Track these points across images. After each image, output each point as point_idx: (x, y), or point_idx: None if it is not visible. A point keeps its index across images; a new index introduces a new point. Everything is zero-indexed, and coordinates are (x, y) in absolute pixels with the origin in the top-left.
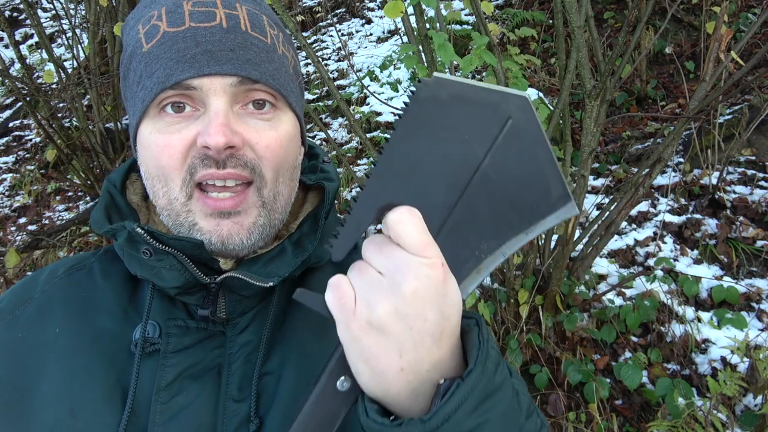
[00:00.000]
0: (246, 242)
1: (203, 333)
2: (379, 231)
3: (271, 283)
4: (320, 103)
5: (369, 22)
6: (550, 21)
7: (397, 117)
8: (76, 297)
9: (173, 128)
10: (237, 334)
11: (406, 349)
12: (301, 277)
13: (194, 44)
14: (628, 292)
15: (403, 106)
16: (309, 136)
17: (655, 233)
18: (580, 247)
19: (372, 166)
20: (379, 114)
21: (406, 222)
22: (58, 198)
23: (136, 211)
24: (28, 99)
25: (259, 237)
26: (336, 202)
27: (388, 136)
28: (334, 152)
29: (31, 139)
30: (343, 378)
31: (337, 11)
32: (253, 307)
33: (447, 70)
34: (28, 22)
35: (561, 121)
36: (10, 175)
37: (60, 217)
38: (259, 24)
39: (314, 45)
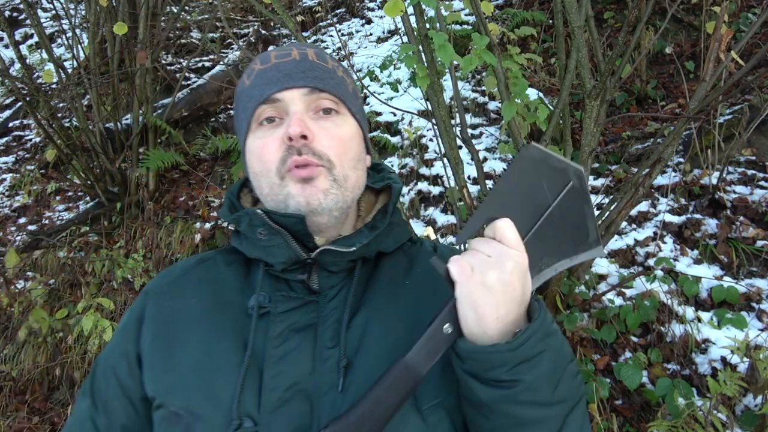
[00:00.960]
0: (323, 202)
1: (301, 301)
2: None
3: (353, 248)
4: None
5: (369, 22)
6: (550, 21)
7: (508, 163)
8: (207, 278)
9: (268, 133)
10: (327, 301)
11: (501, 305)
12: (375, 260)
13: (277, 72)
14: (628, 292)
15: (513, 158)
16: None
17: (655, 233)
18: None
19: (489, 191)
20: (379, 114)
21: (508, 227)
22: (58, 198)
23: None
24: (28, 99)
25: (333, 203)
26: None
27: (501, 173)
28: None
29: (30, 139)
30: (448, 324)
31: (337, 11)
32: (339, 282)
33: (447, 71)
34: (28, 22)
35: (561, 121)
36: (10, 175)
37: (60, 217)
38: (323, 57)
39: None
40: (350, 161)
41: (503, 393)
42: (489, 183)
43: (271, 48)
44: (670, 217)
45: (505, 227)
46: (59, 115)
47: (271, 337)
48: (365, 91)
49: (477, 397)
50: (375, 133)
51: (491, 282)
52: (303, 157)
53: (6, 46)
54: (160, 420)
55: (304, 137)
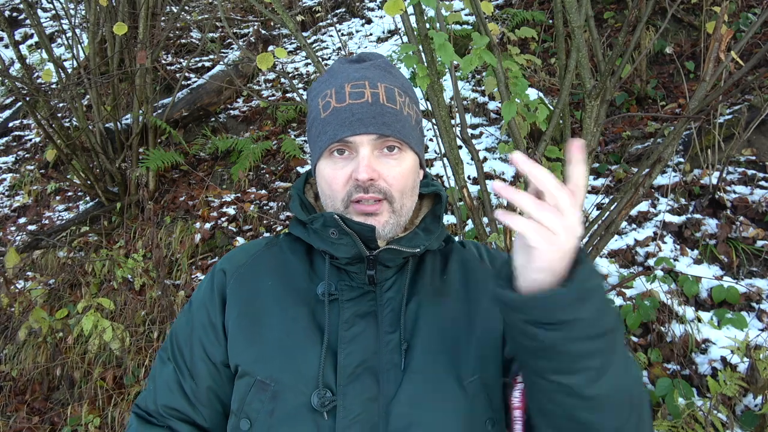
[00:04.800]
0: (382, 232)
1: (361, 291)
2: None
3: (418, 250)
4: None
5: (369, 22)
6: (550, 21)
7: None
8: (277, 263)
9: (338, 165)
10: (384, 292)
11: (566, 259)
12: (421, 256)
13: (350, 115)
14: (628, 292)
15: None
16: None
17: (655, 233)
18: None
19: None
20: None
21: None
22: (57, 198)
23: (314, 207)
24: (27, 99)
25: (390, 230)
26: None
27: None
28: None
29: (30, 139)
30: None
31: (337, 11)
32: (393, 275)
33: (447, 71)
34: (28, 22)
35: (561, 121)
36: (10, 175)
37: (60, 217)
38: (392, 96)
39: (314, 45)
40: (408, 192)
41: (565, 333)
42: (489, 183)
43: (344, 66)
44: (670, 217)
45: (564, 192)
46: (59, 115)
47: (342, 321)
48: None
49: (540, 343)
50: None
51: (568, 247)
52: (370, 195)
53: (6, 46)
54: (246, 386)
55: (371, 179)
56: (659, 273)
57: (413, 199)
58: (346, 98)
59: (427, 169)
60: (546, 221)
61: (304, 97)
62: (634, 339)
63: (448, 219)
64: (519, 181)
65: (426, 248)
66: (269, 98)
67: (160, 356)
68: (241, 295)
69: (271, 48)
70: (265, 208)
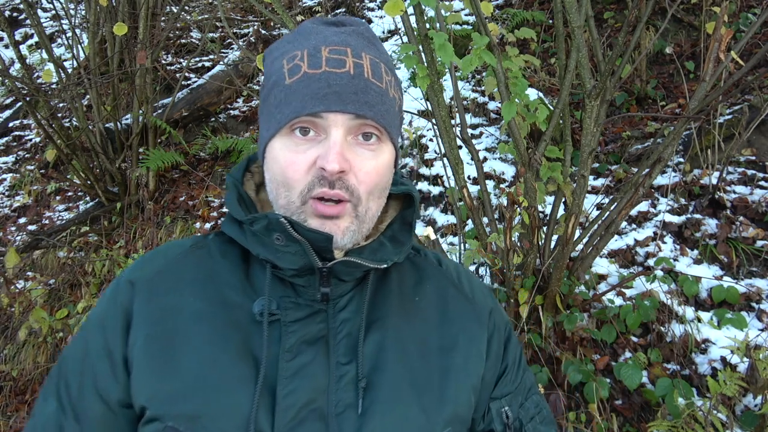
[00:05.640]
0: (341, 240)
1: (309, 309)
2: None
3: (385, 266)
4: None
5: (369, 22)
6: (550, 21)
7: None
8: (202, 271)
9: (300, 148)
10: (337, 312)
11: None
12: (386, 268)
13: (326, 86)
14: (628, 292)
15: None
16: None
17: (655, 233)
18: (580, 247)
19: None
20: None
21: None
22: (58, 198)
23: (255, 204)
24: (28, 99)
25: (350, 239)
26: None
27: None
28: None
29: (30, 139)
30: None
31: (337, 11)
32: (350, 291)
33: (447, 71)
34: (28, 22)
35: (561, 121)
36: (10, 175)
37: (60, 217)
38: (378, 71)
39: None
40: (377, 194)
41: None
42: (489, 183)
43: (320, 27)
44: (670, 217)
45: None
46: (59, 115)
47: (284, 350)
48: None
49: None
50: None
51: None
52: (335, 192)
53: (6, 46)
54: None
55: (341, 171)
56: (659, 273)
57: (381, 202)
58: (322, 64)
59: (400, 163)
60: None
61: None
62: (634, 339)
63: (448, 219)
64: (519, 181)
65: (394, 262)
66: None
67: (43, 390)
68: (153, 313)
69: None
70: None
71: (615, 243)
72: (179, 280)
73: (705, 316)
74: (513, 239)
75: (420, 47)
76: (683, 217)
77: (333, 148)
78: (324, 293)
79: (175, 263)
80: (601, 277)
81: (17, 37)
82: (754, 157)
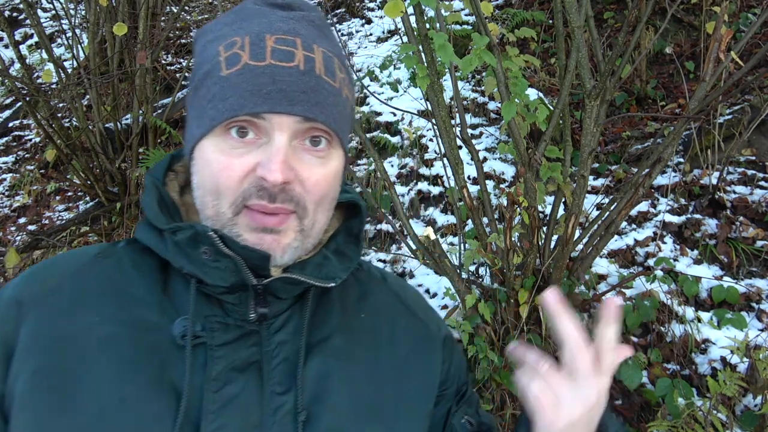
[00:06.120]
0: (280, 259)
1: (240, 330)
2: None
3: (332, 284)
4: None
5: (369, 22)
6: (550, 21)
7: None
8: (110, 286)
9: (236, 152)
10: (272, 333)
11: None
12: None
13: (271, 81)
14: (628, 292)
15: None
16: None
17: (655, 233)
18: (580, 247)
19: None
20: (379, 114)
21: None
22: (57, 198)
23: (179, 208)
24: (27, 99)
25: (291, 257)
26: None
27: None
28: None
29: (30, 139)
30: None
31: (337, 11)
32: (286, 309)
33: (447, 71)
34: (28, 22)
35: (561, 121)
36: (10, 175)
37: (60, 217)
38: (331, 67)
39: None
40: (326, 204)
41: None
42: (489, 183)
43: (264, 8)
44: (670, 217)
45: (588, 356)
46: (59, 115)
47: (209, 378)
48: (365, 91)
49: None
50: (375, 133)
51: (576, 419)
52: (275, 206)
53: (6, 46)
54: None
55: (286, 182)
56: (659, 273)
57: (327, 215)
58: (266, 55)
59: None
60: (553, 386)
61: None
62: (634, 339)
63: (448, 219)
64: (519, 181)
65: (341, 280)
66: None
67: None
68: (45, 340)
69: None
70: None
71: (615, 243)
72: (80, 297)
73: (705, 316)
74: (513, 239)
75: (420, 47)
76: (683, 217)
77: (276, 155)
78: (262, 314)
79: (75, 276)
80: (601, 277)
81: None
82: (754, 157)
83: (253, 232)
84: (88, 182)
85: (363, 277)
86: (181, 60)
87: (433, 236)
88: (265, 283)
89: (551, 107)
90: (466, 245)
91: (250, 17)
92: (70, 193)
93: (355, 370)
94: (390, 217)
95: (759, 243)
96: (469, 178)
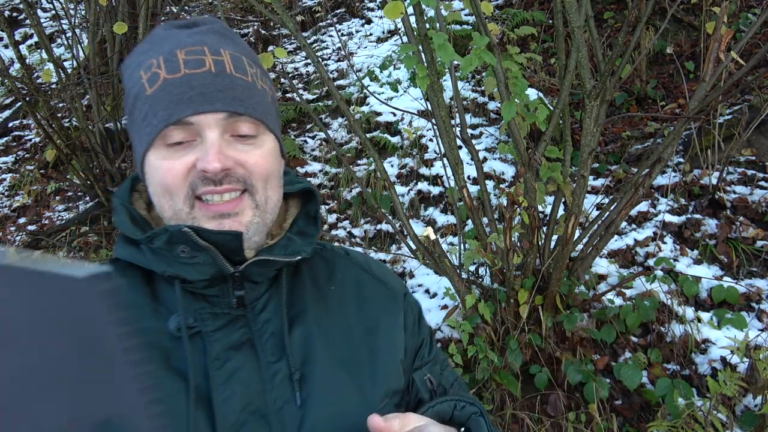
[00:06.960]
0: (245, 235)
1: (228, 317)
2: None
3: (299, 257)
4: (320, 103)
5: (369, 22)
6: (550, 21)
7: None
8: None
9: (176, 155)
10: (257, 314)
11: None
12: (296, 265)
13: (189, 88)
14: (628, 292)
15: None
16: (309, 136)
17: (655, 233)
18: (580, 247)
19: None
20: (379, 114)
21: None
22: (57, 198)
23: (149, 222)
24: (27, 99)
25: (255, 232)
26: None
27: None
28: (334, 152)
29: (30, 139)
30: None
31: (337, 11)
32: (265, 292)
33: (447, 71)
34: (27, 22)
35: (561, 121)
36: (10, 175)
37: (60, 217)
38: (241, 65)
39: (314, 45)
40: (273, 180)
41: None
42: (489, 183)
43: (172, 31)
44: (670, 217)
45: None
46: (59, 115)
47: (211, 358)
48: (365, 91)
49: None
50: (375, 133)
51: None
52: (223, 187)
53: (6, 46)
54: None
55: (226, 169)
56: (659, 273)
57: (279, 192)
58: (180, 67)
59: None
60: None
61: (305, 97)
62: (634, 339)
63: (448, 219)
64: (519, 181)
65: (306, 255)
66: None
67: None
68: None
69: (271, 48)
70: None
71: (615, 243)
72: None
73: (705, 316)
74: (513, 239)
75: (420, 47)
76: (683, 217)
77: (211, 147)
78: (239, 296)
79: None
80: (601, 277)
81: (17, 37)
82: (754, 157)
83: (212, 220)
84: (88, 182)
85: (328, 256)
86: None
87: (433, 236)
88: (241, 269)
89: (551, 107)
90: (466, 245)
91: (161, 41)
92: (70, 193)
93: (332, 333)
94: (390, 217)
95: (759, 243)
96: (469, 178)
